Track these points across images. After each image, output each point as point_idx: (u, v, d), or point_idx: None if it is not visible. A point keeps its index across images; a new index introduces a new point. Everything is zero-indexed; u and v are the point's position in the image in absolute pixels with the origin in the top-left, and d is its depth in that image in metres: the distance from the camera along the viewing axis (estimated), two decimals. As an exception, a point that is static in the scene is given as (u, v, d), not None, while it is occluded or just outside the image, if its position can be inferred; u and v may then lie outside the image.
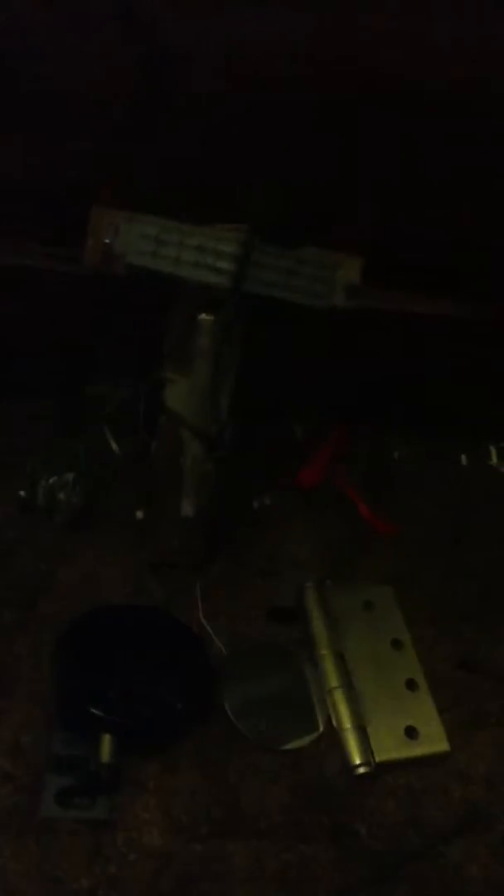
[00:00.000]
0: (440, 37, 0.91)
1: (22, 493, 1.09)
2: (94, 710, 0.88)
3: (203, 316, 0.91)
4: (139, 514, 1.12)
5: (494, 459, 1.30)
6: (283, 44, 0.91)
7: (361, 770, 0.91)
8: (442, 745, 0.95)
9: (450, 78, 0.93)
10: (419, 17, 0.89)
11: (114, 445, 1.17)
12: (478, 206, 1.05)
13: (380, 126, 0.97)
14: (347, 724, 0.94)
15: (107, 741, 0.87)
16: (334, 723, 0.95)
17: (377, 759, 0.92)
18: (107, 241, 0.91)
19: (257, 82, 0.94)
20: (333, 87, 0.95)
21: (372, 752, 0.92)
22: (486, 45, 0.91)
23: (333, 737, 0.94)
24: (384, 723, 0.95)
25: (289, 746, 0.93)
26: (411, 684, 1.00)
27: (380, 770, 0.92)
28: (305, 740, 0.94)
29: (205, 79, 0.94)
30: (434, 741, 0.95)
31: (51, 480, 1.09)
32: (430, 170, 1.02)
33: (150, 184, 0.93)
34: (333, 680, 0.98)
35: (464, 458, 1.30)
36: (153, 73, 0.94)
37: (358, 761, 0.91)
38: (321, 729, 0.95)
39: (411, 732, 0.95)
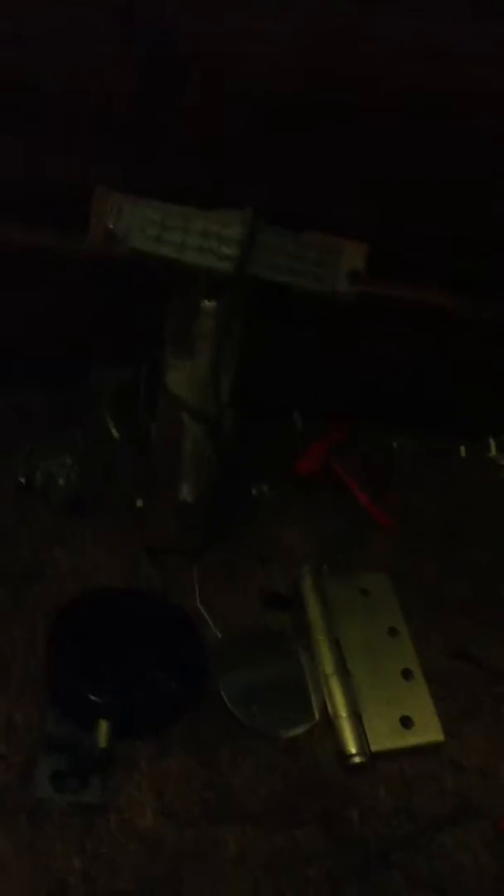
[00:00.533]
0: (440, 40, 0.92)
1: (20, 477, 1.09)
2: (88, 694, 0.89)
3: (206, 301, 0.91)
4: (139, 503, 1.11)
5: (494, 452, 1.30)
6: (286, 45, 0.92)
7: (356, 760, 0.91)
8: (436, 736, 0.95)
9: (450, 80, 0.94)
10: (419, 21, 0.90)
11: (113, 430, 1.16)
12: (478, 204, 1.06)
13: (380, 127, 0.98)
14: (343, 712, 0.94)
15: (103, 726, 0.87)
16: (329, 710, 0.95)
17: (372, 749, 0.92)
18: (110, 224, 0.90)
19: (259, 84, 0.95)
20: (334, 89, 0.96)
21: (367, 741, 0.92)
22: (483, 48, 0.92)
23: (328, 724, 0.94)
24: (379, 712, 0.95)
25: (283, 734, 0.93)
26: (407, 674, 1.00)
27: (373, 758, 0.92)
28: (300, 727, 0.94)
29: (206, 79, 0.94)
30: (428, 731, 0.95)
31: (49, 464, 1.08)
32: (431, 169, 1.02)
33: (149, 183, 0.93)
34: (329, 667, 0.98)
35: (463, 450, 1.30)
36: (154, 72, 0.94)
37: (353, 750, 0.91)
38: (316, 716, 0.95)
39: (406, 722, 0.95)
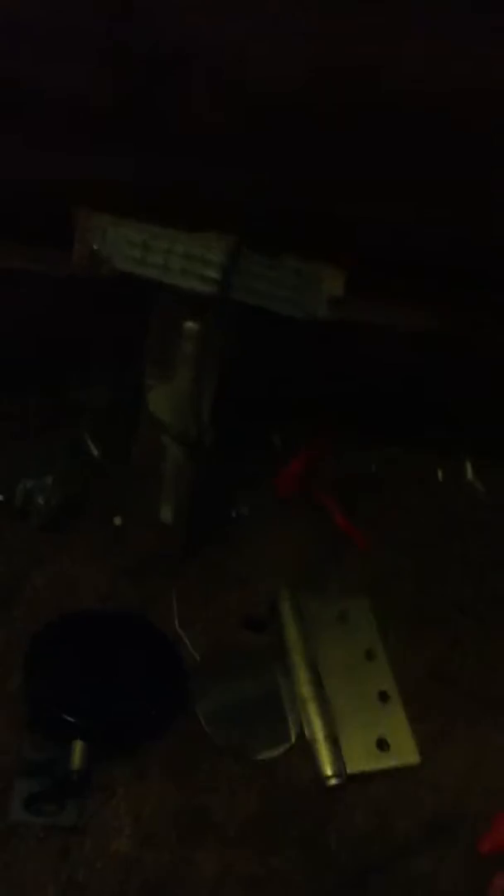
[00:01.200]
0: (439, 44, 0.91)
1: (-1, 494, 1.09)
2: (65, 715, 0.88)
3: (188, 323, 0.92)
4: (117, 521, 1.11)
5: (470, 475, 1.31)
6: (281, 49, 0.92)
7: (333, 781, 0.91)
8: (412, 758, 0.95)
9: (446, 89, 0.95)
10: (419, 25, 0.90)
11: (93, 449, 1.16)
12: (456, 219, 1.07)
13: (373, 136, 0.98)
14: (319, 734, 0.94)
15: (79, 747, 0.86)
16: (306, 733, 0.95)
17: (348, 771, 0.92)
18: (95, 246, 0.91)
19: (253, 89, 0.95)
20: (329, 96, 0.95)
21: (343, 764, 0.92)
22: (485, 54, 0.92)
23: (305, 746, 0.94)
24: (356, 734, 0.95)
25: (260, 755, 0.93)
26: (383, 696, 1.00)
27: (350, 780, 0.92)
28: (277, 749, 0.94)
29: (199, 85, 0.94)
30: (405, 753, 0.95)
31: (29, 483, 1.08)
32: (431, 176, 1.03)
33: (138, 191, 0.93)
34: (306, 690, 0.98)
35: (440, 473, 1.31)
36: (146, 78, 0.94)
37: (329, 772, 0.91)
38: (293, 739, 0.95)
39: (382, 744, 0.95)
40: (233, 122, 0.97)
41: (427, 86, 0.94)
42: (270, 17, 0.90)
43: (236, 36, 0.91)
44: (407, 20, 0.90)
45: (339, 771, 0.92)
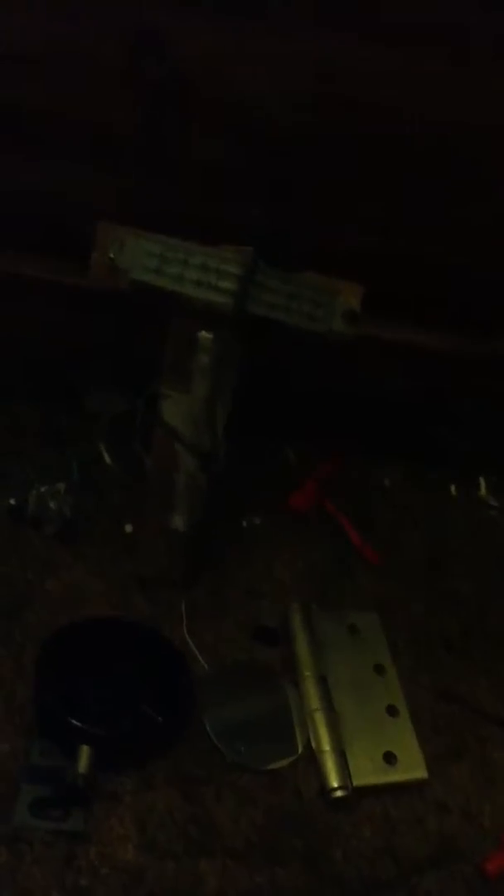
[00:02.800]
0: (439, 78, 0.93)
1: (12, 500, 1.09)
2: (73, 721, 0.88)
3: (203, 333, 0.92)
4: (128, 528, 1.12)
5: (484, 491, 1.31)
6: (288, 80, 0.94)
7: (339, 793, 0.91)
8: (420, 773, 0.95)
9: (446, 119, 0.96)
10: (419, 58, 0.92)
11: (107, 458, 1.17)
12: (470, 241, 1.08)
13: (379, 163, 1.00)
14: (326, 746, 0.94)
15: (85, 752, 0.86)
16: (313, 745, 0.95)
17: (354, 783, 0.92)
18: (111, 255, 0.92)
19: (260, 116, 0.97)
20: (334, 122, 0.97)
21: (350, 776, 0.92)
22: (484, 89, 0.94)
23: (312, 759, 0.94)
24: (363, 747, 0.95)
25: (267, 767, 0.93)
26: (392, 710, 1.00)
27: (357, 795, 0.92)
28: (284, 762, 0.94)
29: (208, 110, 0.97)
30: (412, 768, 0.95)
31: (42, 490, 1.09)
32: (426, 206, 1.04)
33: (151, 209, 0.95)
34: (314, 702, 0.98)
35: (453, 489, 1.31)
36: (159, 104, 0.96)
37: (335, 784, 0.91)
38: (300, 751, 0.95)
39: (390, 758, 0.95)
40: (234, 152, 1.00)
41: (424, 119, 0.96)
42: (277, 50, 0.93)
43: (239, 67, 0.94)
44: (406, 54, 0.92)
45: (345, 783, 0.91)
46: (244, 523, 1.20)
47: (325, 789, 0.91)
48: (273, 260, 0.94)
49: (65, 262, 1.02)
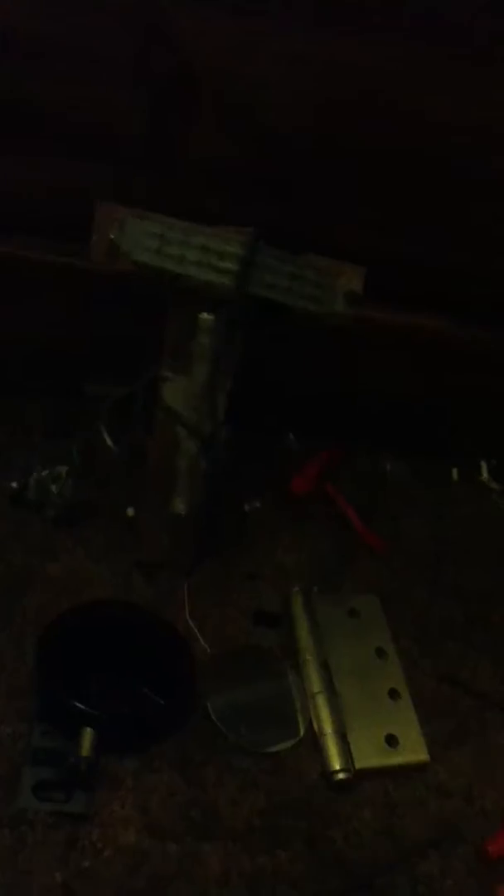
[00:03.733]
0: (444, 78, 0.95)
1: (13, 484, 1.09)
2: (75, 704, 0.88)
3: (204, 315, 0.92)
4: (130, 512, 1.12)
5: (485, 475, 1.31)
6: (295, 78, 0.95)
7: (341, 776, 0.91)
8: (421, 755, 0.95)
9: (449, 119, 0.97)
10: (423, 57, 0.93)
11: (108, 442, 1.17)
12: (474, 232, 1.07)
13: (383, 153, 1.00)
14: (328, 729, 0.94)
15: (87, 734, 0.86)
16: (315, 728, 0.95)
17: (357, 766, 0.92)
18: (112, 236, 0.91)
19: (266, 110, 0.98)
20: (339, 121, 0.98)
21: (352, 759, 0.92)
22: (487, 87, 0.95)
23: (314, 743, 0.94)
24: (365, 730, 0.95)
25: (269, 750, 0.93)
26: (393, 693, 1.00)
27: (358, 778, 0.92)
28: (286, 745, 0.94)
29: (215, 104, 0.97)
30: (414, 750, 0.95)
31: (43, 473, 1.09)
32: (431, 195, 1.04)
33: (154, 204, 0.94)
34: (316, 685, 0.98)
35: (455, 473, 1.31)
36: (166, 97, 0.96)
37: (337, 767, 0.91)
38: (302, 734, 0.95)
39: (391, 741, 0.95)
40: (239, 146, 1.00)
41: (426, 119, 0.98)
42: (279, 52, 0.93)
43: (246, 64, 0.95)
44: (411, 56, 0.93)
45: (348, 766, 0.91)
46: (245, 507, 1.19)
47: (327, 772, 0.92)
48: (275, 242, 0.94)
49: (66, 246, 1.02)
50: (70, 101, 0.99)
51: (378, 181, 1.03)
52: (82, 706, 0.88)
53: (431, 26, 0.91)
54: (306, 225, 1.01)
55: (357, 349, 1.12)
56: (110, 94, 0.98)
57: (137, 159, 1.02)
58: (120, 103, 0.98)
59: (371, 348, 1.14)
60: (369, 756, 0.93)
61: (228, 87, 0.96)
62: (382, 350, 1.15)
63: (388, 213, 1.06)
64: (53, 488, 1.08)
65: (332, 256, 0.97)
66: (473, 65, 0.94)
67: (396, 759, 0.94)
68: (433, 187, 1.04)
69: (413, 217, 1.06)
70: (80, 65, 0.96)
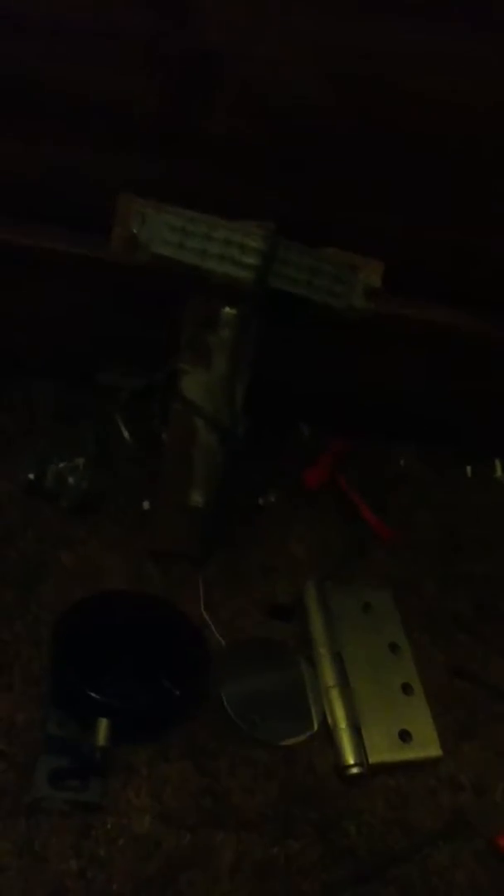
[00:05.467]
0: (456, 58, 0.93)
1: (31, 475, 1.09)
2: (90, 693, 0.89)
3: (226, 309, 0.92)
4: (146, 505, 1.12)
5: (499, 472, 1.31)
6: (311, 58, 0.94)
7: (354, 770, 0.91)
8: (435, 751, 0.95)
9: (466, 96, 0.96)
10: (446, 38, 0.92)
11: (125, 433, 1.17)
12: (493, 221, 1.07)
13: (401, 144, 1.00)
14: (342, 723, 0.94)
15: (103, 724, 0.87)
16: (329, 721, 0.95)
17: (370, 761, 0.92)
18: (133, 229, 0.91)
19: (284, 96, 0.96)
20: (359, 102, 0.97)
21: (365, 753, 0.93)
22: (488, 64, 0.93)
23: (327, 735, 0.95)
24: (378, 725, 0.95)
25: (283, 742, 0.93)
26: (407, 688, 1.00)
27: (371, 771, 0.92)
28: (300, 737, 0.94)
29: (233, 89, 0.96)
30: (427, 746, 0.95)
31: (60, 464, 1.09)
32: (451, 187, 1.03)
33: (170, 186, 0.94)
34: (330, 679, 0.98)
35: (469, 470, 1.31)
36: (183, 83, 0.96)
37: (351, 761, 0.92)
38: (316, 727, 0.95)
39: (405, 736, 0.95)
40: (257, 133, 0.99)
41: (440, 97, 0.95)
42: (294, 30, 0.92)
43: (262, 43, 0.93)
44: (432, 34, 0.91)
45: (361, 760, 0.92)
46: (259, 500, 1.19)
47: (340, 766, 0.92)
48: (295, 236, 0.94)
49: (85, 236, 1.01)
50: (83, 84, 0.97)
51: (396, 168, 1.02)
52: (97, 696, 0.89)
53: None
54: (325, 215, 1.01)
55: (372, 342, 1.12)
56: (125, 77, 0.96)
57: (152, 145, 1.01)
58: (135, 86, 0.96)
59: (386, 342, 1.13)
60: (382, 751, 0.93)
61: (244, 69, 0.95)
62: (397, 344, 1.15)
63: (407, 203, 1.05)
64: (70, 480, 1.08)
65: (349, 249, 0.96)
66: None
67: (409, 754, 0.94)
68: (456, 175, 1.02)
69: (433, 200, 1.05)
70: (94, 47, 0.95)
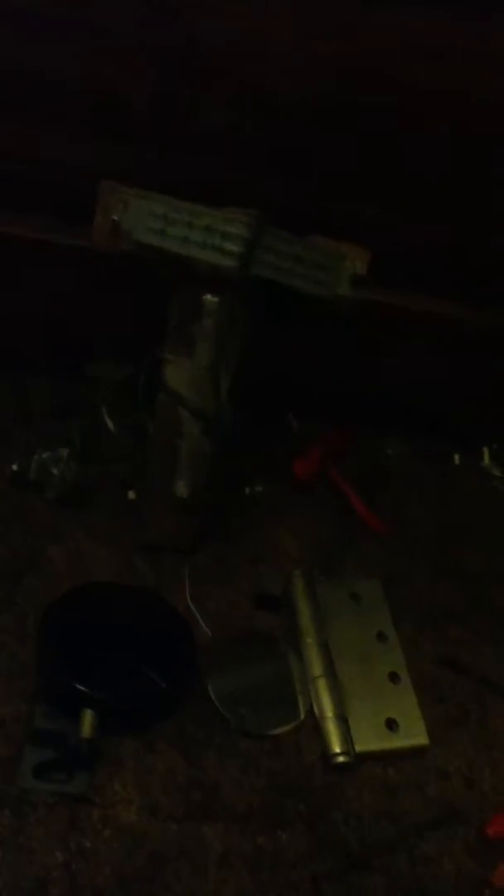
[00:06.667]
0: (446, 48, 0.93)
1: (14, 466, 1.09)
2: (76, 685, 0.88)
3: (208, 297, 0.91)
4: (131, 495, 1.11)
5: (487, 460, 1.31)
6: (304, 49, 0.93)
7: (341, 759, 0.91)
8: (421, 739, 0.95)
9: (450, 87, 0.95)
10: (433, 29, 0.92)
11: (110, 424, 1.16)
12: (480, 212, 1.06)
13: (391, 128, 0.99)
14: (329, 712, 0.94)
15: (88, 716, 0.86)
16: (316, 711, 0.95)
17: (357, 750, 0.92)
18: (115, 217, 0.90)
19: (274, 84, 0.96)
20: (348, 94, 0.96)
21: (352, 742, 0.92)
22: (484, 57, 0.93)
23: (314, 725, 0.95)
24: (365, 713, 0.95)
25: (269, 732, 0.93)
26: (394, 677, 1.00)
27: (358, 760, 0.92)
28: (286, 727, 0.94)
29: (223, 78, 0.96)
30: (414, 734, 0.95)
31: (44, 455, 1.08)
32: (441, 174, 1.03)
33: (158, 179, 0.93)
34: (317, 669, 0.98)
35: (457, 458, 1.31)
36: (173, 71, 0.95)
37: (338, 750, 0.91)
38: (302, 717, 0.95)
39: (392, 724, 0.95)
40: (246, 121, 0.99)
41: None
42: (285, 18, 0.92)
43: (252, 36, 0.93)
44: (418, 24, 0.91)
45: (348, 749, 0.92)
46: (247, 490, 1.19)
47: (327, 755, 0.92)
48: (280, 223, 0.93)
49: (68, 225, 1.01)
50: (75, 75, 0.97)
51: (389, 157, 1.01)
52: (83, 687, 0.88)
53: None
54: (313, 202, 1.00)
55: (361, 332, 1.12)
56: (116, 67, 0.96)
57: (143, 135, 1.00)
58: (126, 77, 0.96)
59: (375, 331, 1.13)
60: (369, 740, 0.93)
61: (234, 60, 0.95)
62: (385, 333, 1.14)
63: (398, 192, 1.04)
64: (55, 470, 1.07)
65: (338, 237, 0.96)
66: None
67: (397, 742, 0.94)
68: (447, 164, 1.02)
69: (424, 196, 1.05)
70: (85, 37, 0.95)
